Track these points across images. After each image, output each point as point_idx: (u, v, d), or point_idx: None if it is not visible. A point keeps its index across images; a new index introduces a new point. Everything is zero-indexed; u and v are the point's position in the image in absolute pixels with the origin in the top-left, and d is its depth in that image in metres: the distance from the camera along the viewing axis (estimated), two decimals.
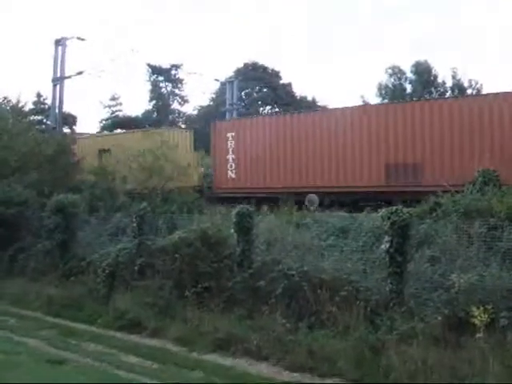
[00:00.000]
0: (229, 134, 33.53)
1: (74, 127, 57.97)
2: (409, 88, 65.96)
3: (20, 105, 31.57)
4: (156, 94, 71.77)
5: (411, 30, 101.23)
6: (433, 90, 63.35)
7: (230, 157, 33.07)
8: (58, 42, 38.70)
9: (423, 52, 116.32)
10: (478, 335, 10.56)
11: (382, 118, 28.44)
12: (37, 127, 40.82)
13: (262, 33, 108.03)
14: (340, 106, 33.13)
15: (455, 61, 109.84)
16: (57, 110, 39.44)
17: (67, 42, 38.75)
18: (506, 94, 25.23)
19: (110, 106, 66.20)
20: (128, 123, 57.64)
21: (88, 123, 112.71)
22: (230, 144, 33.21)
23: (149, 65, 68.32)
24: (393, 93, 64.46)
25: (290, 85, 70.02)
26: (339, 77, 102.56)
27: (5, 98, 30.57)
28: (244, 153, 32.63)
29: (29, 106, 41.20)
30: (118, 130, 55.05)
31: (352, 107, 32.12)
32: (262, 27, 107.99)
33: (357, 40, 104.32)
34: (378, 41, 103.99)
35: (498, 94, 25.94)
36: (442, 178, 23.36)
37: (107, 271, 17.30)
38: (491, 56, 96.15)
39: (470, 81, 61.95)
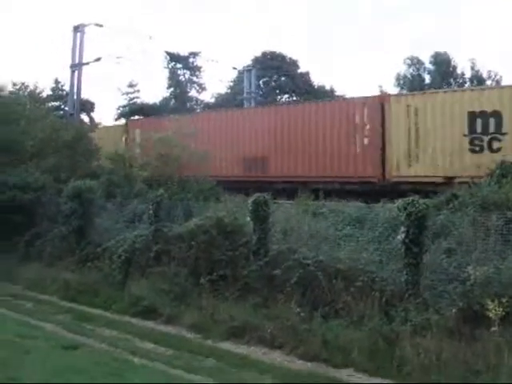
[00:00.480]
0: (137, 131, 36.96)
1: (91, 114, 58.04)
2: (427, 79, 65.66)
3: (38, 91, 31.71)
4: (174, 81, 71.63)
5: (418, 26, 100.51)
6: (452, 80, 63.00)
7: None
8: (77, 29, 38.75)
9: (441, 42, 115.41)
10: (492, 328, 10.53)
11: (240, 120, 34.29)
12: (54, 113, 40.90)
13: (279, 22, 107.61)
14: (357, 95, 33.66)
15: (473, 51, 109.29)
16: (75, 97, 39.52)
17: (86, 29, 38.81)
18: (324, 103, 32.80)
19: (127, 93, 66.17)
20: (146, 110, 57.62)
21: (106, 110, 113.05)
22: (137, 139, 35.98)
23: (167, 52, 68.23)
24: (411, 83, 64.15)
25: (307, 74, 69.82)
26: (358, 66, 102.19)
27: (22, 83, 30.66)
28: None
29: (47, 92, 41.38)
30: (136, 117, 55.11)
31: (216, 112, 40.12)
32: (280, 17, 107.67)
33: (376, 31, 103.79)
34: (396, 32, 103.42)
35: (318, 102, 33.22)
36: (282, 171, 30.94)
37: (123, 257, 17.38)
38: (491, 55, 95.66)
39: (489, 72, 61.65)
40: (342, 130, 28.76)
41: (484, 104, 24.47)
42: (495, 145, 23.96)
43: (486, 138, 24.24)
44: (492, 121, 24.13)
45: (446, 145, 25.22)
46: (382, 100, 28.61)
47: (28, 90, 30.65)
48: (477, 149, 24.38)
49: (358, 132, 28.40)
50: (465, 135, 24.74)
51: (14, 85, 30.10)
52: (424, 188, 21.45)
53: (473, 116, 24.56)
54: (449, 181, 23.67)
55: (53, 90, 57.62)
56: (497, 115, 23.96)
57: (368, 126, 28.07)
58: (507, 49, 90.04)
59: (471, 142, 24.60)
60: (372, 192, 22.97)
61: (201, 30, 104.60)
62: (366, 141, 28.19)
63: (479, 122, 24.44)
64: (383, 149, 27.18)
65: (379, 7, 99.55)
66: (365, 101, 29.14)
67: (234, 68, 59.61)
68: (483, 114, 24.32)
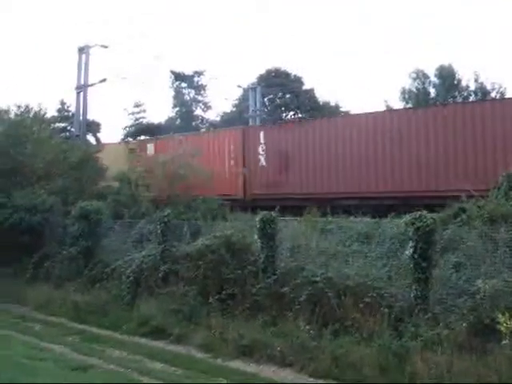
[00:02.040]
0: None
1: (97, 134, 58.18)
2: (433, 92, 65.54)
3: (42, 112, 31.67)
4: (179, 100, 71.87)
5: (432, 33, 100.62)
6: (457, 93, 62.85)
7: None
8: (82, 50, 38.88)
9: (445, 54, 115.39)
10: (503, 342, 10.48)
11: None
12: (61, 135, 40.97)
13: (283, 39, 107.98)
14: (363, 111, 33.02)
15: (476, 63, 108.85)
16: (81, 118, 39.58)
17: (90, 50, 38.92)
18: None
19: (133, 113, 66.24)
20: (152, 130, 57.74)
21: (112, 130, 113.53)
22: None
23: (172, 71, 68.61)
24: (416, 97, 64.03)
25: (312, 90, 69.87)
26: (363, 81, 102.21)
27: (27, 106, 30.63)
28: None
29: (52, 114, 41.41)
30: (142, 137, 55.24)
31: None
32: (283, 33, 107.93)
33: (379, 44, 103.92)
34: (399, 44, 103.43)
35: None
36: None
37: (131, 278, 17.38)
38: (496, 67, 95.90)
39: (492, 84, 61.45)
40: None
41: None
42: None
43: None
44: None
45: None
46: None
47: (32, 112, 30.61)
48: None
49: None
50: None
51: (19, 107, 30.10)
52: None
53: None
54: None
55: (59, 111, 57.85)
56: None
57: None
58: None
59: None
60: None
61: (205, 48, 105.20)
62: None
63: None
64: None
65: (385, 21, 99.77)
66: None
67: (239, 86, 59.84)
68: None
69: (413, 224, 12.30)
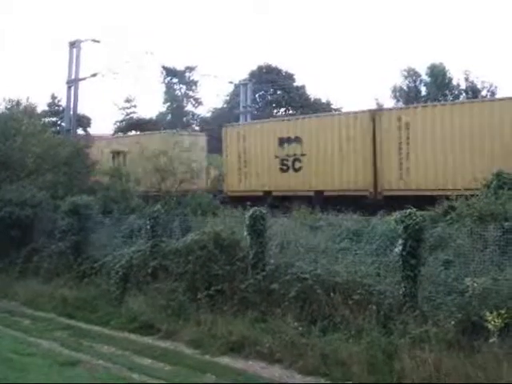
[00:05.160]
0: None
1: (88, 129, 58.00)
2: (424, 90, 65.75)
3: (32, 106, 31.57)
4: (170, 95, 71.91)
5: (424, 31, 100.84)
6: (447, 92, 62.99)
7: None
8: (73, 45, 38.76)
9: (436, 53, 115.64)
10: (491, 340, 10.50)
11: None
12: (52, 129, 40.89)
13: (275, 36, 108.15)
14: (354, 108, 32.94)
15: (467, 61, 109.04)
16: (71, 112, 39.50)
17: (82, 44, 38.81)
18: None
19: (124, 108, 66.17)
20: (142, 125, 57.66)
21: (102, 125, 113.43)
22: None
23: (163, 67, 68.51)
24: (407, 95, 64.26)
25: (303, 87, 69.97)
26: (354, 79, 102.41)
27: (17, 100, 30.51)
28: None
29: (43, 108, 41.26)
30: (133, 132, 55.14)
31: None
32: (276, 30, 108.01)
33: (371, 41, 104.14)
34: (392, 42, 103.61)
35: None
36: None
37: (120, 273, 17.33)
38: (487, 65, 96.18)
39: (482, 82, 61.62)
40: None
41: None
42: None
43: None
44: None
45: None
46: None
47: (22, 106, 30.49)
48: None
49: None
50: None
51: (9, 101, 30.00)
52: None
53: None
54: None
55: (49, 105, 57.69)
56: None
57: None
58: (502, 59, 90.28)
59: None
60: None
61: (198, 43, 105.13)
62: None
63: None
64: None
65: (377, 18, 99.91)
66: None
67: (231, 82, 59.90)
68: None
69: (402, 222, 12.30)
